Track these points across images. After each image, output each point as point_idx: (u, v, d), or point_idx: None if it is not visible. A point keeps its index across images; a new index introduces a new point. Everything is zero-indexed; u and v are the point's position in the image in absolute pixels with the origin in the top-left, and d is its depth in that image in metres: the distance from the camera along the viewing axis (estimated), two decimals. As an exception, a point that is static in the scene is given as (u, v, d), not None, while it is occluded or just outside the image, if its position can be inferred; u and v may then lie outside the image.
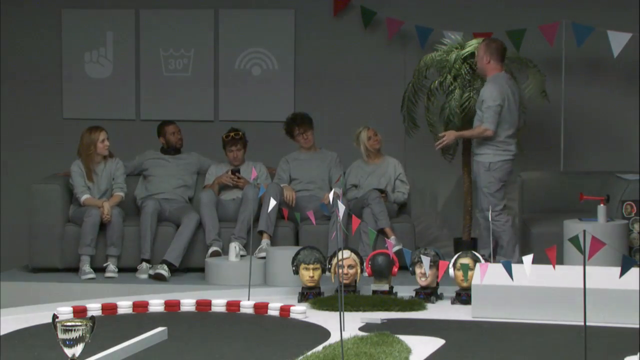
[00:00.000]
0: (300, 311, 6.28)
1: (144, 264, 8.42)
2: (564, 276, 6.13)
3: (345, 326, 5.44)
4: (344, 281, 6.86)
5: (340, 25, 9.96)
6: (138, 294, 7.35)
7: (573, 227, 7.60)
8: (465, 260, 6.72)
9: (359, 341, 5.38)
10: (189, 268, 8.54)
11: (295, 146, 9.11)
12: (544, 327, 6.01)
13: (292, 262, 7.02)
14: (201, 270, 8.37)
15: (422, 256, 6.42)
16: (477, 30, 9.34)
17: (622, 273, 4.45)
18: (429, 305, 6.67)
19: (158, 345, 5.44)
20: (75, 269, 8.42)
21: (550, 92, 9.16)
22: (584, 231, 4.37)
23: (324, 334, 5.76)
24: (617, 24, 9.18)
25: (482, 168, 8.14)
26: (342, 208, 5.37)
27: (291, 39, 9.99)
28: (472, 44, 8.82)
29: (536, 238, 8.41)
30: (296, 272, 6.99)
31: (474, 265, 6.60)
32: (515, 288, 6.12)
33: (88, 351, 4.67)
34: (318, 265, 6.93)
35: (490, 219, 7.66)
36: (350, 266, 6.93)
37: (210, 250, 8.44)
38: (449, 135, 8.29)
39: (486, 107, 8.06)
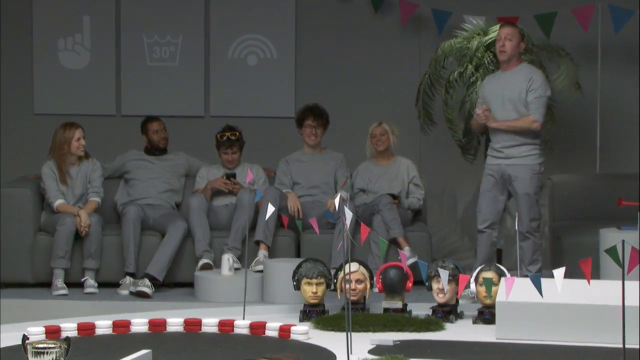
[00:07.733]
0: (302, 331, 6.27)
1: (128, 279, 8.39)
2: (600, 292, 6.12)
3: (352, 349, 5.44)
4: (352, 298, 6.86)
5: (347, 8, 9.98)
6: (119, 312, 7.34)
7: (610, 236, 7.60)
8: (489, 274, 6.71)
9: (368, 365, 5.38)
10: (176, 283, 8.55)
11: (297, 146, 9.10)
12: (577, 349, 6.00)
13: (293, 277, 7.02)
14: (190, 285, 8.38)
15: (439, 269, 6.41)
16: (501, 14, 9.34)
17: (666, 288, 4.45)
18: (448, 325, 6.65)
19: (141, 370, 5.44)
20: (47, 284, 8.42)
21: (584, 84, 9.17)
22: (623, 241, 4.37)
23: (329, 357, 5.76)
24: (660, 6, 9.21)
25: (530, 171, 8.02)
26: (349, 215, 5.37)
27: (292, 25, 10.00)
28: (496, 30, 8.83)
29: (569, 249, 8.41)
30: (297, 287, 6.98)
31: (499, 280, 6.60)
32: (545, 306, 6.11)
33: (62, 377, 4.67)
34: (322, 280, 6.92)
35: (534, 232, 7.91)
36: (358, 281, 6.93)
37: (200, 262, 8.45)
38: (490, 122, 8.03)
39: (537, 97, 7.99)
